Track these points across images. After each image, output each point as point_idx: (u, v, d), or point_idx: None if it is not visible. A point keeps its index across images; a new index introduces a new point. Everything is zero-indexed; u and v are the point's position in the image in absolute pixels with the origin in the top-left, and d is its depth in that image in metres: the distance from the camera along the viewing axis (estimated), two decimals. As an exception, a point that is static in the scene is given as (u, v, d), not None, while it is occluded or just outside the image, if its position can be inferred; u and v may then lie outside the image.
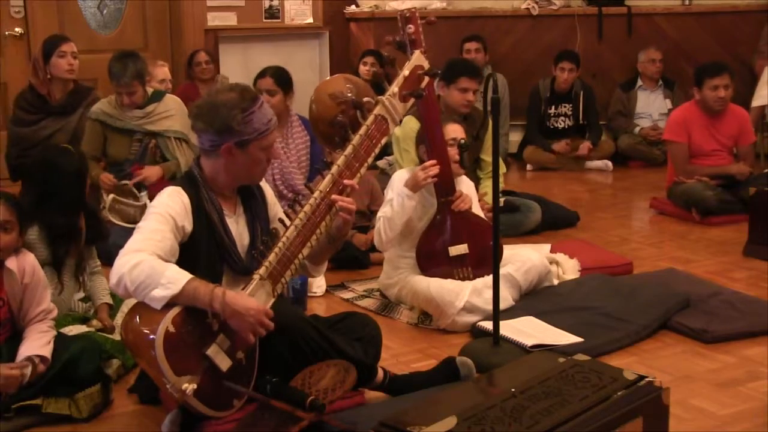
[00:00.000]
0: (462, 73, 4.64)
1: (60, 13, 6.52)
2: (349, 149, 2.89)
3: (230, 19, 6.99)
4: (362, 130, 2.92)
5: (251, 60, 6.84)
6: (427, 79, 3.14)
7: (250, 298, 2.65)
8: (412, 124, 4.40)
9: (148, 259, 2.60)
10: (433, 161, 3.73)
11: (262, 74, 4.73)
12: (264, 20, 7.09)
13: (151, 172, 4.83)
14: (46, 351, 2.92)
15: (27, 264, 3.00)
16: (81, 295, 3.50)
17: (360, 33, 7.26)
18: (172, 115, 4.92)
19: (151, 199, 4.71)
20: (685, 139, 5.47)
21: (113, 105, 4.88)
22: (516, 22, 7.47)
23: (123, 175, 4.84)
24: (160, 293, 2.56)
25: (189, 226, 2.76)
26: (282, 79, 4.70)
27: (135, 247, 2.64)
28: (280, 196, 4.39)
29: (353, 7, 7.32)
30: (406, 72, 3.06)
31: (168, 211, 2.72)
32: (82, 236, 3.44)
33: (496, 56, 7.17)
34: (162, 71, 5.83)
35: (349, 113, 3.10)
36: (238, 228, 2.89)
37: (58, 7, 6.51)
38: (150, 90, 5.00)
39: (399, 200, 3.73)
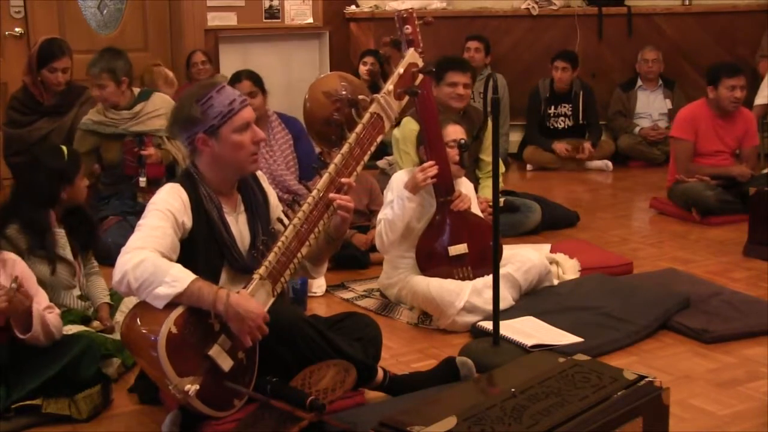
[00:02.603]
0: (449, 68, 4.64)
1: (60, 13, 6.51)
2: (345, 148, 2.89)
3: (230, 19, 6.99)
4: (358, 129, 2.92)
5: (251, 60, 6.84)
6: (421, 76, 3.14)
7: (253, 302, 2.65)
8: (411, 126, 4.40)
9: (152, 256, 2.60)
10: (432, 162, 3.74)
11: (237, 79, 4.71)
12: (264, 20, 7.09)
13: (153, 151, 4.83)
14: (39, 315, 2.90)
15: (15, 269, 2.99)
16: (78, 292, 3.50)
17: (360, 33, 7.26)
18: (161, 113, 4.90)
19: (148, 185, 4.80)
20: (692, 137, 5.47)
21: (101, 112, 4.87)
22: (516, 22, 7.47)
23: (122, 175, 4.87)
24: (164, 291, 2.56)
25: (189, 223, 2.76)
26: (258, 80, 4.73)
27: (137, 245, 2.63)
28: (278, 200, 4.39)
29: (353, 7, 7.32)
30: (400, 70, 3.06)
31: (167, 207, 2.73)
32: (52, 232, 3.41)
33: (496, 56, 7.17)
34: (159, 70, 5.81)
35: (344, 111, 3.10)
36: (238, 225, 2.89)
37: (58, 7, 6.51)
38: (137, 90, 5.00)
39: (399, 203, 3.73)
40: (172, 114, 2.87)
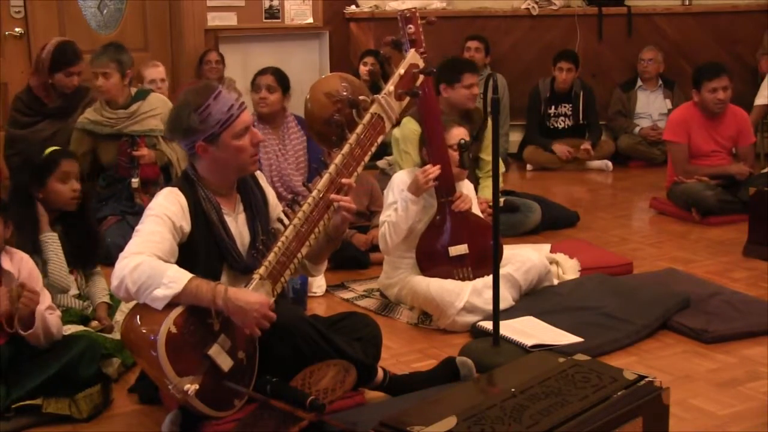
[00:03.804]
0: (464, 69, 4.74)
1: (60, 13, 6.51)
2: (346, 148, 2.89)
3: (230, 19, 6.99)
4: (359, 129, 2.92)
5: (251, 60, 6.84)
6: (422, 77, 3.14)
7: (252, 293, 2.66)
8: (411, 126, 4.41)
9: (148, 260, 2.60)
10: (435, 165, 3.74)
11: (263, 71, 4.78)
12: (264, 20, 7.09)
13: (146, 152, 4.86)
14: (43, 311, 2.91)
15: (22, 265, 3.01)
16: (75, 291, 3.50)
17: (360, 33, 7.26)
18: (157, 113, 4.91)
19: (142, 186, 4.83)
20: (684, 139, 5.47)
21: (99, 111, 4.88)
22: (516, 22, 7.47)
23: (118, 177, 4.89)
24: (162, 292, 2.57)
25: (187, 226, 2.77)
26: (282, 78, 4.77)
27: (134, 250, 2.64)
28: (279, 197, 4.39)
29: (353, 7, 7.32)
30: (401, 70, 3.06)
31: (165, 212, 2.73)
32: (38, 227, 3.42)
33: (496, 56, 7.17)
34: (156, 71, 5.82)
35: (344, 112, 3.10)
36: (237, 226, 2.89)
37: (58, 7, 6.50)
38: (134, 90, 5.01)
39: (403, 205, 3.73)
40: (169, 122, 2.84)
